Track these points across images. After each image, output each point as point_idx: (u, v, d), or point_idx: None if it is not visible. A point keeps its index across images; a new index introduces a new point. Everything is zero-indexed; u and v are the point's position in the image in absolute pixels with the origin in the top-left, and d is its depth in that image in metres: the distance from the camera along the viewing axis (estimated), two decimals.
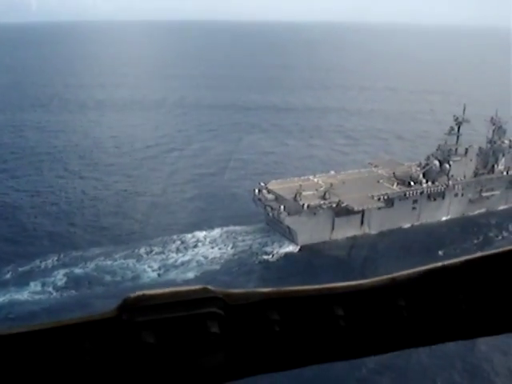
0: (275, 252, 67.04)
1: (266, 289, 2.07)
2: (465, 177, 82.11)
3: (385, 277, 2.19)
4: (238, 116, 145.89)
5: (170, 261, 61.10)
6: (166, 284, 53.24)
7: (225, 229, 72.54)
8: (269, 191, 74.83)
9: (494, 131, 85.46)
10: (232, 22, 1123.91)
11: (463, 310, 2.23)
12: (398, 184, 78.66)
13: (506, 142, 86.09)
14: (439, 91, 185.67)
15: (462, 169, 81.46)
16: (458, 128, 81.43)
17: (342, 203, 71.06)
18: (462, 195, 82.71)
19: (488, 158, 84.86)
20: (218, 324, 1.95)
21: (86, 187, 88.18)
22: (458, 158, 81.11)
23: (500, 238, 74.73)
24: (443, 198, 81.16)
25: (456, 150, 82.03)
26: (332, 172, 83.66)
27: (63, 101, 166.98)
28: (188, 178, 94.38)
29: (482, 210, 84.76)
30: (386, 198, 74.69)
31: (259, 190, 75.39)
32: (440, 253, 68.75)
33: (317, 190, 74.27)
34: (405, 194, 76.33)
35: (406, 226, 78.35)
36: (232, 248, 66.03)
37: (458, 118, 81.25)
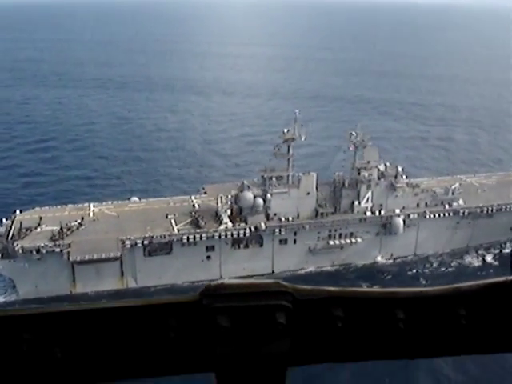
0: None
1: (332, 287, 2.25)
2: (298, 216, 57.83)
3: (448, 286, 2.29)
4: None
5: None
6: None
7: None
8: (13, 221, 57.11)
9: (355, 154, 59.59)
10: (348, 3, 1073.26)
11: None
12: (191, 222, 56.80)
13: (381, 167, 59.90)
14: None
15: (290, 205, 57.30)
16: (288, 148, 57.26)
17: (68, 247, 51.61)
18: (295, 242, 58.47)
19: (342, 192, 59.34)
20: (285, 315, 2.14)
21: None
22: (284, 190, 57.05)
23: None
24: (261, 245, 57.73)
25: (287, 177, 57.92)
26: (135, 198, 63.50)
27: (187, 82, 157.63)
28: None
29: (334, 265, 59.71)
30: (147, 242, 53.63)
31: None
32: None
33: (67, 224, 55.17)
34: (181, 239, 54.44)
35: (199, 281, 56.37)
36: None
37: (285, 133, 57.12)
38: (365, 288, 2.29)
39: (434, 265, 59.06)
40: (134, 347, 2.15)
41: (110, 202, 61.83)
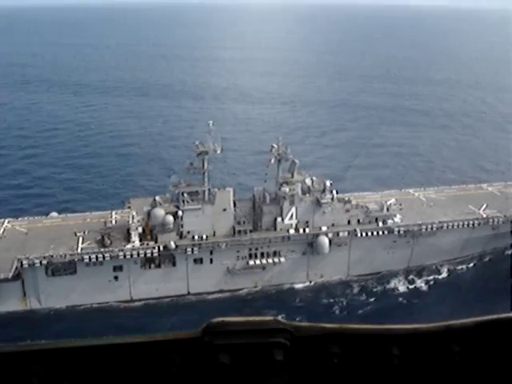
0: None
1: (330, 324, 2.34)
2: (214, 234, 54.07)
3: (441, 323, 2.35)
4: None
5: None
6: None
7: None
8: None
9: (278, 168, 55.58)
10: (373, 6, 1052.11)
11: None
12: (98, 240, 53.36)
13: (308, 181, 55.90)
14: None
15: (205, 222, 53.57)
16: (203, 162, 53.52)
17: None
18: (212, 262, 54.72)
19: (264, 208, 55.37)
20: (283, 352, 2.25)
21: None
22: (197, 207, 53.34)
23: None
24: (174, 264, 54.11)
25: (203, 193, 54.17)
26: (53, 213, 60.14)
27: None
28: None
29: (257, 287, 55.78)
30: (46, 262, 50.32)
31: None
32: None
33: None
34: (82, 259, 50.98)
35: (107, 302, 52.99)
36: None
37: (198, 146, 53.43)
38: (361, 325, 2.29)
39: (355, 290, 54.63)
40: (139, 382, 2.21)
41: (25, 218, 58.74)
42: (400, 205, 60.39)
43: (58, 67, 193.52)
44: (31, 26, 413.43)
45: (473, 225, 59.27)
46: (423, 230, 57.75)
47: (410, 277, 56.45)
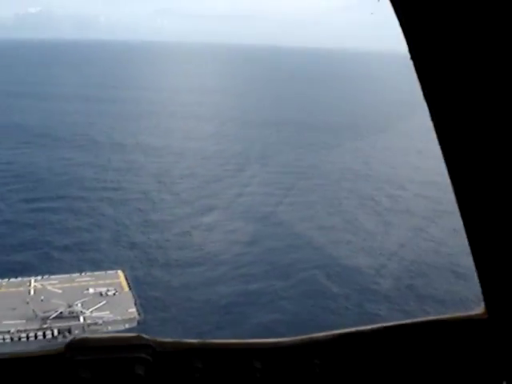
0: None
1: (193, 340, 2.38)
2: None
3: (305, 336, 2.44)
4: None
5: None
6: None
7: None
8: None
9: None
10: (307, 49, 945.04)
11: (374, 372, 2.43)
12: None
13: None
14: None
15: None
16: None
17: None
18: None
19: None
20: (144, 367, 2.28)
21: None
22: None
23: None
24: None
25: None
26: None
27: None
28: None
29: None
30: None
31: None
32: None
33: None
34: None
35: None
36: None
37: None
38: (224, 340, 2.41)
39: None
40: None
41: None
42: None
43: None
44: None
45: None
46: None
47: None
